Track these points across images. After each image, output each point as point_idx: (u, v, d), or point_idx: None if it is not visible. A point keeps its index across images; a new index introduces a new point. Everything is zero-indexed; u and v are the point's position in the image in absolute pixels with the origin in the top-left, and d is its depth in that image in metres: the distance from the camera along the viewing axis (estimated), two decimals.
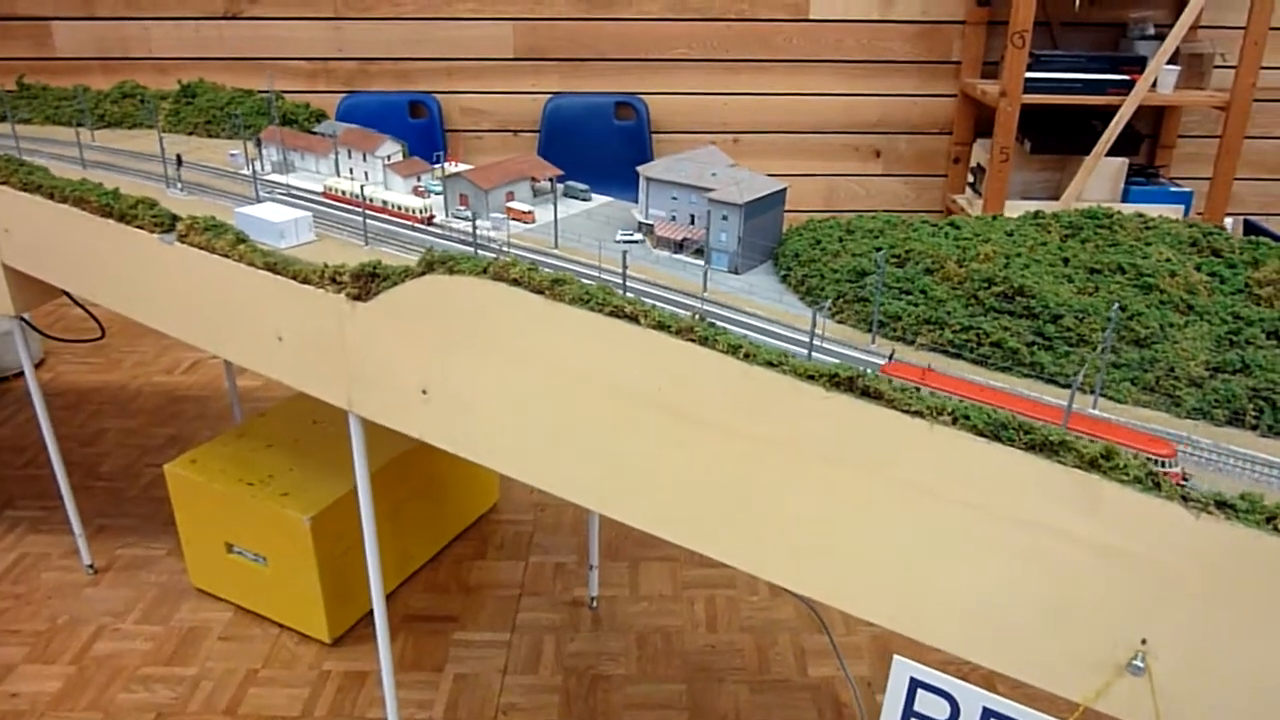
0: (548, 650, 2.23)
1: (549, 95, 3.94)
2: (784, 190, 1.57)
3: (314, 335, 1.49)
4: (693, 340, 1.09)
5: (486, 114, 4.01)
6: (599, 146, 3.92)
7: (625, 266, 1.30)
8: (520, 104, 3.98)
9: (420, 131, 3.94)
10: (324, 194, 1.87)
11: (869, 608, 1.08)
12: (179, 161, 1.93)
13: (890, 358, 1.17)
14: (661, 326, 1.11)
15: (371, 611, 2.30)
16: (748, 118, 3.97)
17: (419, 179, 1.92)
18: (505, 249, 1.56)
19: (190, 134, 2.42)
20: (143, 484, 2.85)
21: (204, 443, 2.43)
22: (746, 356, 1.05)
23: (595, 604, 2.38)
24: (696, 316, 1.12)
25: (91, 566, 2.47)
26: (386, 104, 3.97)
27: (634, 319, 1.13)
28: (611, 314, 1.15)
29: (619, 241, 1.60)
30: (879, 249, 1.39)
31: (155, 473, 2.88)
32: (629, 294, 1.21)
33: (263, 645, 2.23)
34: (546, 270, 1.22)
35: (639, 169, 1.66)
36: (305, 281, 1.46)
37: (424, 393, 1.39)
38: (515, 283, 1.22)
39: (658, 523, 1.23)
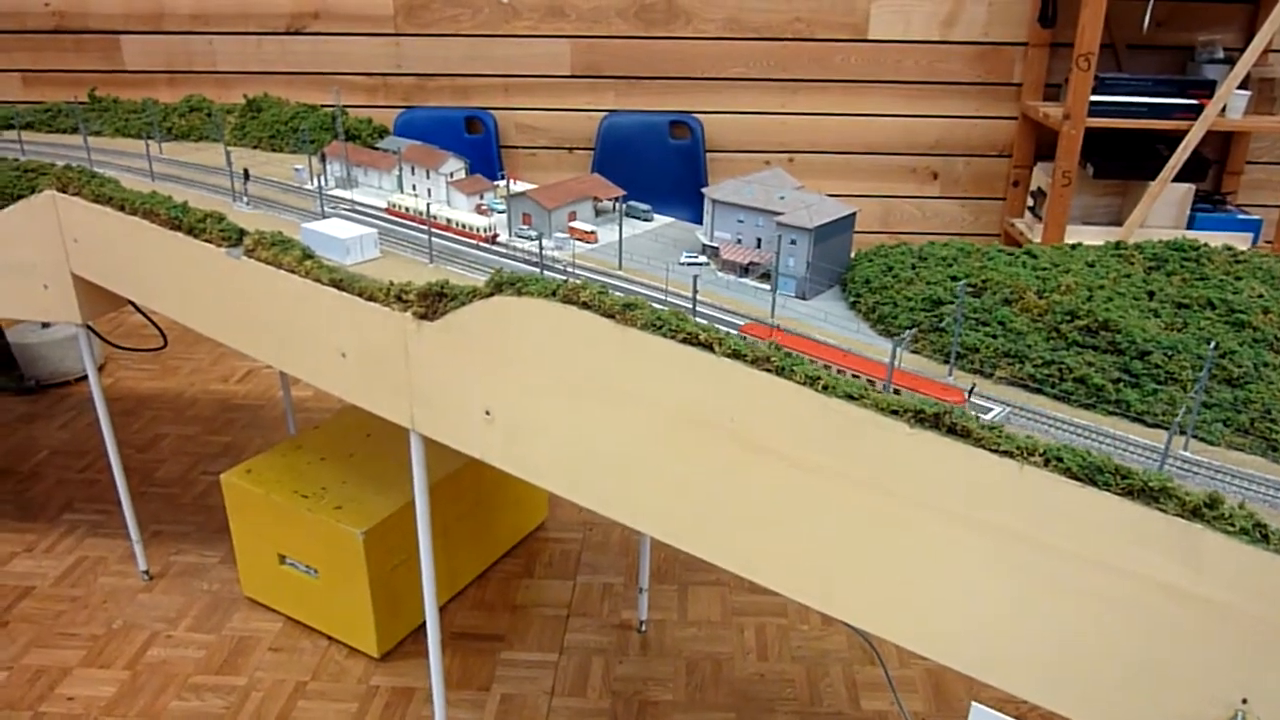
0: (595, 673, 2.21)
1: (604, 113, 3.95)
2: (853, 215, 1.54)
3: (378, 353, 1.49)
4: (769, 370, 1.07)
5: (542, 130, 4.03)
6: (653, 165, 3.92)
7: (696, 291, 1.28)
8: (576, 121, 3.99)
9: (476, 147, 3.97)
10: (388, 210, 1.87)
11: (944, 650, 1.04)
12: (246, 176, 1.95)
13: (970, 392, 1.14)
14: (736, 355, 1.09)
15: (419, 628, 2.29)
16: (804, 138, 3.95)
17: (482, 197, 1.92)
18: (570, 270, 1.55)
19: (255, 148, 2.45)
20: (197, 491, 2.88)
21: (259, 453, 2.45)
22: (826, 389, 1.03)
23: (644, 628, 2.35)
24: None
25: (147, 572, 2.50)
26: (443, 119, 4.00)
27: (708, 346, 1.11)
28: (685, 341, 1.13)
29: (683, 264, 1.59)
30: (956, 278, 1.35)
31: (209, 480, 2.91)
32: (699, 319, 1.19)
33: (312, 658, 2.24)
34: (617, 294, 1.20)
35: (705, 191, 1.64)
36: (371, 299, 1.46)
37: (487, 414, 1.38)
38: (585, 306, 1.21)
39: (719, 552, 1.21)
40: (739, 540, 1.19)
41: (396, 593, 2.20)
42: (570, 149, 4.06)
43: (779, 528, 1.14)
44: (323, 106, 2.48)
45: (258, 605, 2.39)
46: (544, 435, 1.34)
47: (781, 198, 1.55)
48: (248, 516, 2.28)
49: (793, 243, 1.45)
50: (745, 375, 1.09)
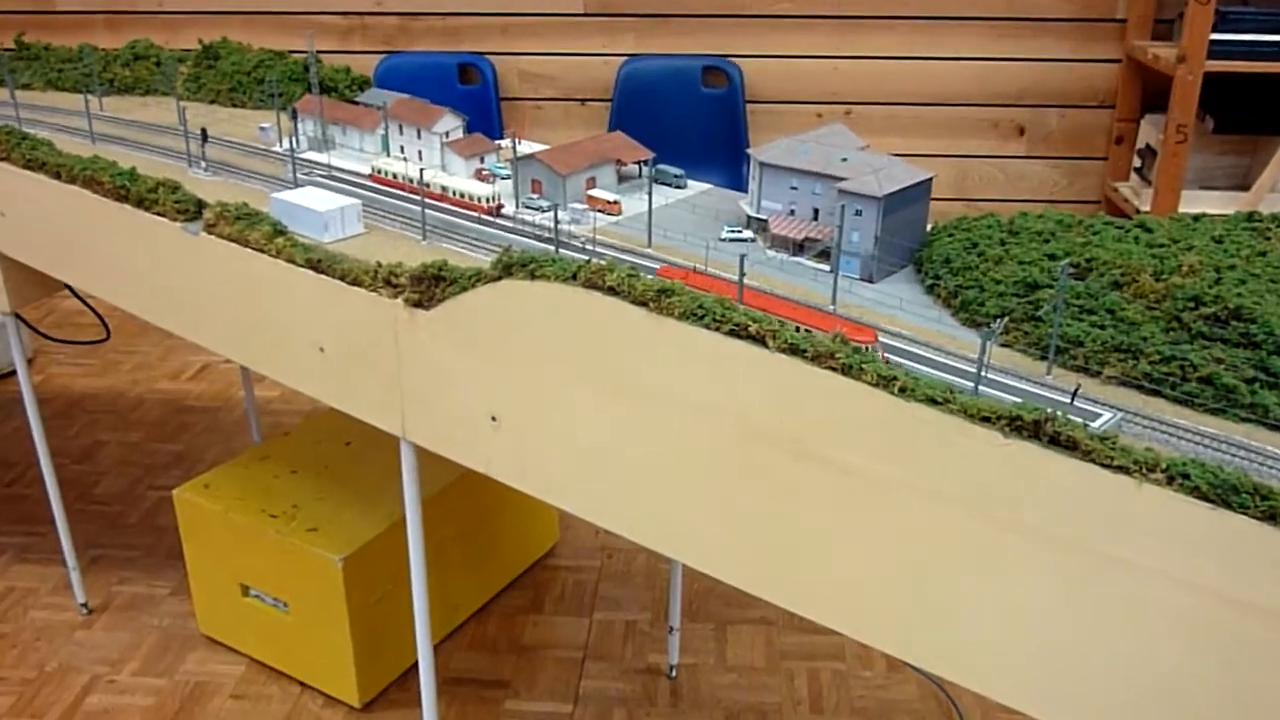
0: None
1: (624, 58, 3.94)
2: (929, 181, 1.54)
3: (363, 347, 1.49)
4: (834, 368, 1.07)
5: (549, 80, 4.03)
6: (683, 120, 3.91)
7: (742, 273, 1.28)
8: (589, 68, 3.98)
9: (471, 100, 3.98)
10: (371, 177, 1.88)
11: (1038, 703, 1.04)
12: (203, 136, 1.97)
13: (1074, 395, 1.13)
14: (794, 350, 1.09)
15: (409, 672, 2.31)
16: (862, 86, 3.93)
17: (483, 160, 1.93)
18: (591, 248, 1.56)
19: (212, 103, 2.47)
20: (144, 509, 2.91)
21: (217, 464, 2.47)
22: (902, 391, 1.03)
23: (674, 673, 2.36)
24: (838, 339, 1.09)
25: (85, 605, 2.53)
26: (432, 67, 4.01)
27: (760, 340, 1.11)
28: (732, 333, 1.13)
29: (725, 240, 1.59)
30: (1054, 256, 1.34)
31: (159, 497, 2.94)
32: (748, 308, 1.19)
33: (281, 707, 2.26)
34: (649, 277, 1.20)
35: (750, 152, 1.64)
36: (355, 283, 1.46)
37: (493, 420, 1.39)
38: (612, 291, 1.21)
39: (767, 584, 1.21)
40: (791, 570, 1.19)
41: (382, 630, 2.22)
42: (583, 101, 4.05)
43: (840, 555, 1.14)
44: (292, 53, 2.49)
45: (217, 645, 2.41)
46: (560, 445, 1.34)
47: (843, 160, 1.55)
48: (205, 540, 2.30)
49: (857, 214, 1.45)
50: (804, 374, 1.09)
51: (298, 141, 2.08)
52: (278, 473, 2.36)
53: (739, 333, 1.13)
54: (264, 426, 3.14)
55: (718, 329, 1.14)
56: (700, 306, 1.16)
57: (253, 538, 2.21)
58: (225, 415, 3.36)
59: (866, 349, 1.13)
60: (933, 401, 1.02)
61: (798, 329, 1.15)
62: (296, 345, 1.58)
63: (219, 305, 1.69)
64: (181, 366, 3.69)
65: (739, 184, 3.81)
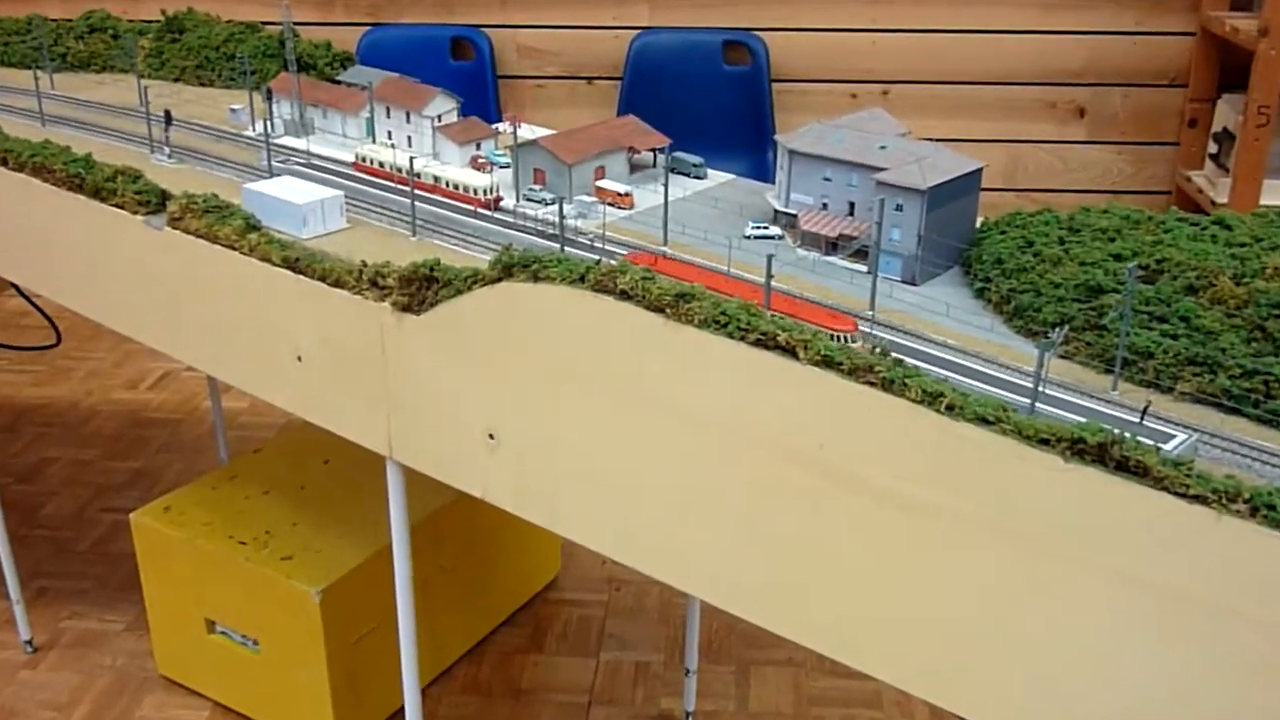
0: None
1: (636, 31, 3.96)
2: (979, 172, 1.54)
3: (346, 356, 1.50)
4: (872, 383, 1.07)
5: (552, 55, 4.04)
6: (702, 101, 3.92)
7: (770, 275, 1.28)
8: (598, 42, 4.00)
9: (465, 78, 3.99)
10: (355, 166, 1.89)
11: None
12: (167, 119, 1.98)
13: (1143, 414, 1.13)
14: (828, 362, 1.09)
15: (393, 717, 2.31)
16: (902, 63, 3.94)
17: (479, 147, 1.94)
18: (601, 246, 1.56)
19: (177, 80, 2.48)
20: (97, 535, 2.92)
21: (180, 484, 2.48)
22: (950, 409, 1.03)
23: None
24: (878, 350, 1.09)
25: (30, 643, 2.54)
26: (420, 41, 4.03)
27: (790, 351, 1.12)
28: (758, 343, 1.13)
29: (750, 237, 1.60)
30: (1120, 257, 1.35)
31: (114, 521, 2.96)
32: (776, 314, 1.19)
33: None
34: (665, 280, 1.21)
35: (778, 139, 1.65)
36: (337, 284, 1.47)
37: (491, 438, 1.39)
38: (625, 296, 1.21)
39: (795, 623, 1.21)
40: (822, 607, 1.19)
41: (363, 672, 2.22)
42: (590, 80, 4.06)
43: (879, 591, 1.14)
44: (266, 25, 2.51)
45: (177, 687, 2.42)
46: (565, 467, 1.35)
47: (882, 148, 1.55)
48: (166, 570, 2.31)
49: (898, 208, 1.45)
50: (839, 389, 1.09)
51: (273, 125, 2.09)
52: (248, 494, 2.37)
53: (766, 343, 1.14)
54: (232, 442, 3.15)
55: (742, 338, 1.15)
56: (723, 313, 1.16)
57: (219, 567, 2.22)
58: (188, 429, 3.37)
59: (843, 337, 1.20)
60: (984, 421, 1.02)
61: (833, 338, 1.17)
62: (271, 353, 1.58)
63: (184, 308, 1.70)
64: (139, 375, 3.71)
65: (764, 174, 3.84)
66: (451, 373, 1.41)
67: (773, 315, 1.16)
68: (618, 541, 1.34)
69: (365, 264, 1.47)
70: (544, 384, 1.33)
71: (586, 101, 4.07)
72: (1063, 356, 1.27)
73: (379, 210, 1.74)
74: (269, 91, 2.12)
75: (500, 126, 2.11)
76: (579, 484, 1.34)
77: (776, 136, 1.65)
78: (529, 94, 4.10)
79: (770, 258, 1.30)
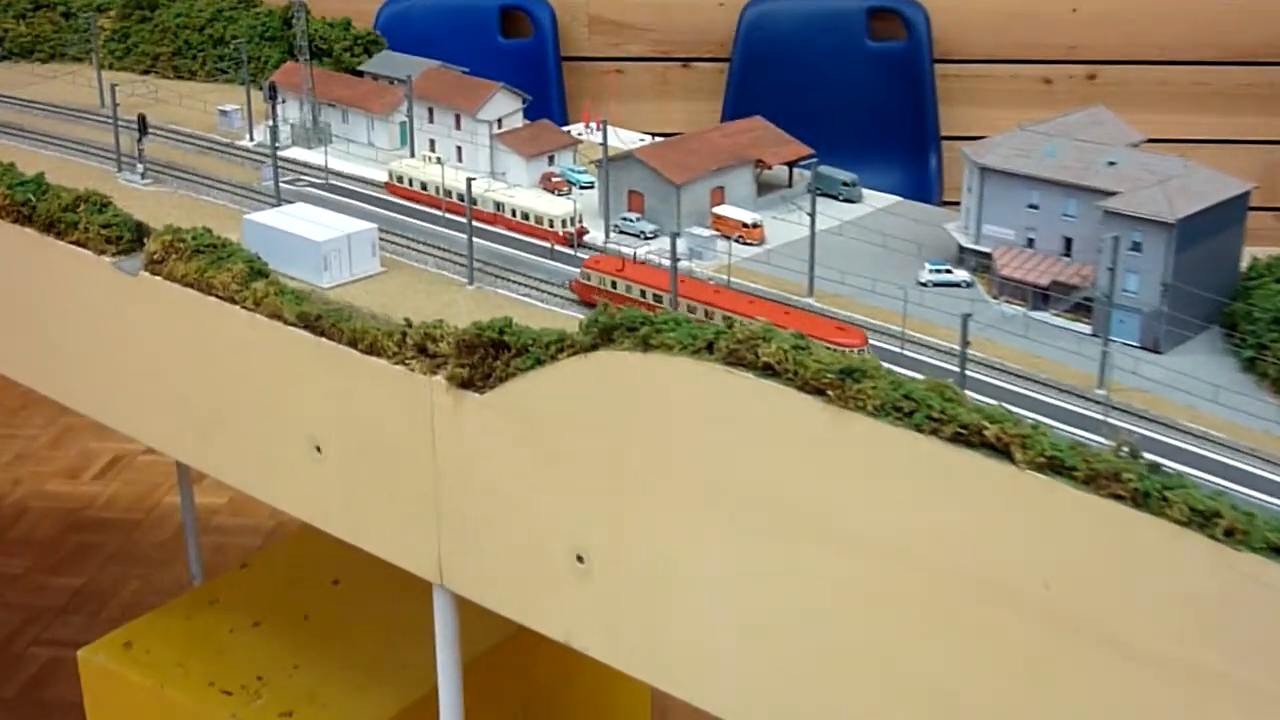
0: None
1: None
2: (1245, 197, 1.53)
3: (382, 447, 1.50)
4: (1119, 496, 1.05)
5: (634, 30, 4.07)
6: (839, 91, 3.91)
7: (965, 340, 1.28)
8: (696, 11, 4.02)
9: (518, 61, 4.02)
10: (389, 188, 1.90)
11: None
12: (141, 127, 2.02)
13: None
14: (1057, 466, 1.07)
15: None
16: (1110, 38, 3.91)
17: (551, 160, 1.94)
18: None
19: (148, 72, 2.53)
20: (28, 676, 2.94)
21: (141, 609, 2.49)
22: (1230, 534, 1.00)
23: None
24: (1125, 451, 1.08)
25: None
26: (461, 13, 4.08)
27: (1002, 450, 1.09)
28: (957, 439, 1.11)
29: (928, 284, 1.59)
30: None
31: (51, 658, 2.97)
32: (973, 395, 1.18)
33: None
34: (829, 349, 1.21)
35: (965, 151, 1.64)
36: (371, 351, 1.47)
37: (580, 561, 1.39)
38: (769, 371, 1.20)
39: None
40: None
41: None
42: (686, 61, 4.07)
43: None
44: None
45: None
46: (680, 605, 1.33)
47: (1110, 164, 1.54)
48: None
49: (1135, 248, 1.44)
50: (1073, 504, 1.07)
51: (277, 133, 2.08)
52: (233, 626, 2.37)
53: (968, 438, 1.12)
54: (208, 552, 3.17)
55: (934, 432, 1.13)
56: (907, 397, 1.14)
57: None
58: (148, 534, 3.39)
59: (853, 352, 1.23)
60: (1278, 552, 1.00)
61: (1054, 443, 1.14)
62: (279, 441, 1.59)
63: (158, 377, 1.71)
64: (82, 459, 3.75)
65: (926, 189, 3.81)
66: (527, 472, 1.40)
67: (976, 404, 1.15)
68: (749, 708, 1.32)
69: (409, 323, 1.47)
70: (654, 490, 1.31)
71: (681, 91, 4.07)
72: None
73: (422, 249, 1.75)
74: (271, 87, 2.14)
75: (578, 131, 2.11)
76: (697, 628, 1.33)
77: (965, 150, 1.62)
78: (604, 83, 4.11)
79: (966, 319, 1.29)
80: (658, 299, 1.53)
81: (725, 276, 1.63)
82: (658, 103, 4.10)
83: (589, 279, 1.59)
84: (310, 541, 2.52)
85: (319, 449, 1.56)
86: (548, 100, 4.04)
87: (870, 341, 1.44)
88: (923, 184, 3.73)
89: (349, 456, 1.55)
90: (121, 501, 3.52)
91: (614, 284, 1.53)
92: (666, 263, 1.48)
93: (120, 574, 3.24)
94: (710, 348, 1.25)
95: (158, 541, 3.33)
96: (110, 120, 2.06)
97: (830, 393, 1.18)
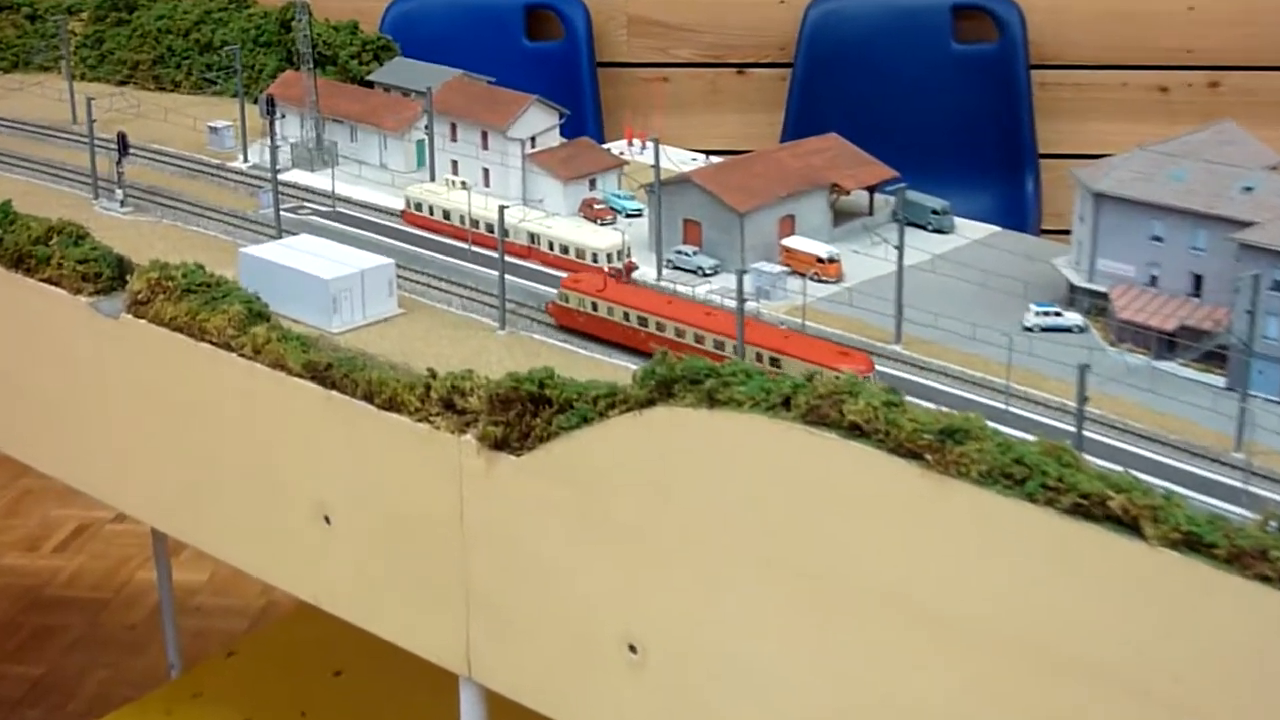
0: None
1: None
2: None
3: (402, 517, 1.50)
4: (1266, 578, 1.04)
5: (682, 32, 4.10)
6: (919, 100, 3.94)
7: (1083, 396, 1.27)
8: (753, 11, 4.05)
9: (547, 67, 4.04)
10: (406, 216, 1.91)
11: None
12: (121, 147, 2.04)
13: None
14: (1194, 543, 1.07)
15: None
16: (1232, 40, 3.89)
17: (593, 185, 1.95)
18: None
19: (125, 83, 2.55)
20: None
21: (114, 705, 2.48)
22: None
23: None
24: (1273, 525, 1.06)
25: None
26: (479, 12, 4.12)
27: (1129, 523, 1.09)
28: (1076, 511, 1.11)
29: (1034, 328, 1.59)
30: None
31: None
32: (1092, 459, 1.17)
33: None
34: (925, 408, 1.20)
35: (1077, 174, 1.65)
36: (391, 406, 1.47)
37: (632, 650, 1.38)
38: (856, 431, 1.20)
39: None
40: None
41: None
42: (741, 68, 4.10)
43: None
44: None
45: None
46: (753, 701, 1.33)
47: (1246, 189, 1.54)
48: None
49: (1276, 287, 1.44)
50: (1211, 585, 1.06)
51: (276, 153, 2.08)
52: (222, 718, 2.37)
53: (1089, 510, 1.11)
54: (187, 637, 3.15)
55: (1050, 503, 1.13)
56: (1018, 462, 1.14)
57: None
58: (118, 615, 3.40)
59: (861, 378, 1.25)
60: None
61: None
62: (281, 510, 1.59)
63: (139, 435, 1.72)
64: (42, 529, 3.77)
65: (1022, 213, 3.81)
66: (572, 546, 1.40)
67: (1091, 467, 1.14)
68: None
69: (434, 374, 1.47)
70: (720, 568, 1.31)
71: (736, 102, 4.09)
72: None
73: (446, 287, 1.75)
74: (269, 101, 2.15)
75: (620, 150, 2.11)
76: None
77: (1076, 171, 1.63)
78: (647, 92, 4.13)
79: (1084, 370, 1.28)
80: (643, 323, 1.54)
81: (799, 319, 1.61)
82: (708, 116, 4.11)
83: (566, 300, 1.62)
84: (308, 625, 2.51)
85: (327, 519, 1.57)
86: (581, 113, 4.05)
87: (967, 394, 1.45)
88: (1018, 210, 3.72)
89: (362, 527, 1.55)
90: (87, 578, 3.53)
91: (595, 306, 1.57)
92: (730, 303, 1.48)
93: (86, 662, 3.24)
94: (787, 403, 1.25)
95: (129, 624, 3.33)
96: (85, 139, 2.08)
97: (928, 456, 1.18)
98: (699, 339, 1.44)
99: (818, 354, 1.33)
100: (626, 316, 1.55)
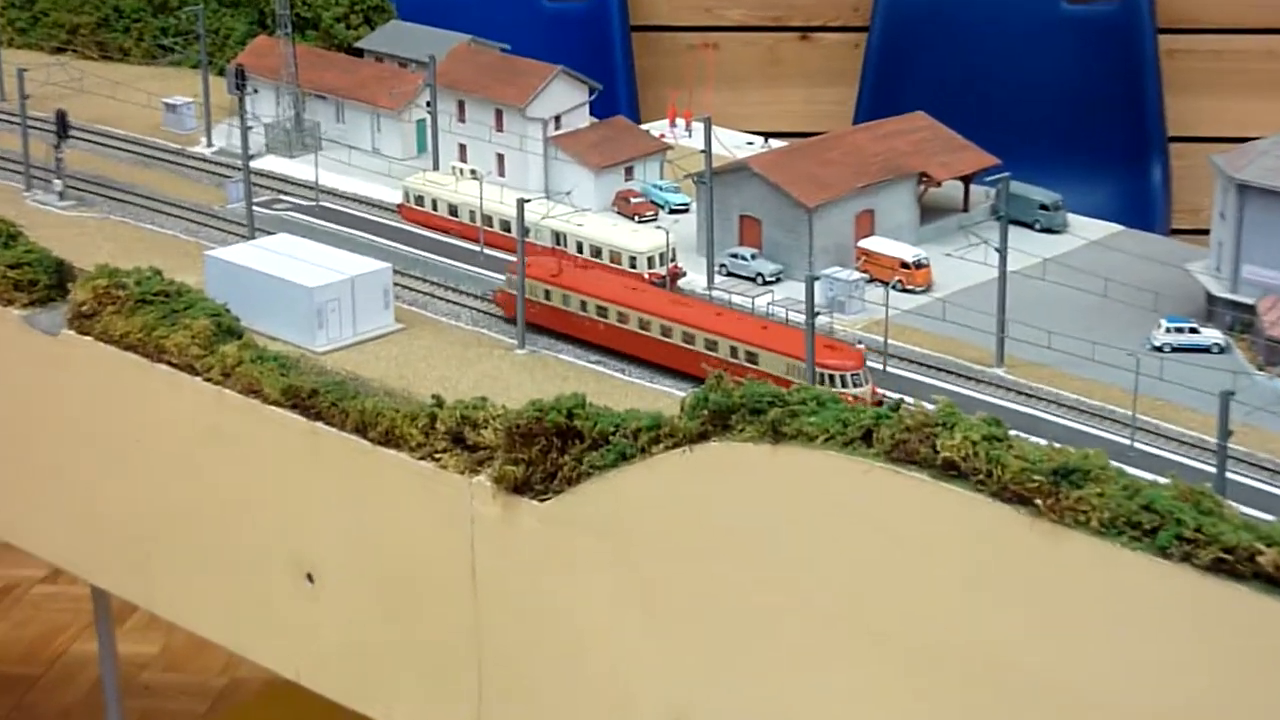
0: None
1: None
2: None
3: (399, 574, 1.50)
4: None
5: None
6: (1023, 72, 3.95)
7: (1226, 429, 1.25)
8: None
9: (571, 32, 4.09)
10: (403, 211, 1.93)
11: None
12: (60, 128, 2.03)
13: None
14: None
15: None
16: None
17: (630, 174, 1.95)
18: (885, 370, 1.55)
19: (62, 50, 2.55)
20: None
21: None
22: None
23: None
24: None
25: None
26: None
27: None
28: (1216, 567, 1.07)
29: (1165, 349, 1.59)
30: None
31: None
32: (1235, 504, 1.15)
33: None
34: (1027, 442, 1.17)
35: (1217, 161, 1.63)
36: (387, 441, 1.47)
37: None
38: (952, 471, 1.17)
39: None
40: None
41: None
42: (805, 31, 4.13)
43: None
44: None
45: None
46: None
47: None
48: None
49: None
50: None
51: (248, 135, 2.08)
52: None
53: (1236, 566, 1.08)
54: (133, 719, 3.15)
55: (1187, 557, 1.10)
56: (1148, 508, 1.11)
57: None
58: (51, 694, 3.41)
59: (843, 379, 1.33)
60: None
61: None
62: (255, 566, 1.59)
63: (82, 475, 1.72)
64: None
65: (1147, 206, 3.78)
66: (607, 607, 1.37)
67: (1233, 512, 1.12)
68: None
69: (440, 402, 1.46)
70: (783, 630, 1.29)
71: (799, 74, 4.09)
72: None
73: (452, 297, 1.76)
74: (238, 72, 2.13)
75: (661, 131, 2.11)
76: None
77: (1213, 158, 1.61)
78: (691, 62, 4.11)
79: (1226, 398, 1.25)
80: (602, 313, 1.55)
81: (880, 336, 1.59)
82: (766, 90, 4.11)
83: (514, 287, 1.63)
84: (280, 706, 2.51)
85: (310, 577, 1.55)
86: (613, 87, 4.06)
87: (1084, 427, 1.45)
88: (1143, 204, 3.68)
89: (353, 587, 1.54)
90: (13, 649, 3.52)
91: (547, 294, 1.58)
92: (796, 316, 1.49)
93: None
94: (868, 437, 1.23)
95: (63, 706, 3.32)
96: (16, 118, 2.08)
97: (1039, 501, 1.16)
98: (665, 330, 1.47)
99: (799, 348, 1.35)
100: (584, 306, 1.57)
